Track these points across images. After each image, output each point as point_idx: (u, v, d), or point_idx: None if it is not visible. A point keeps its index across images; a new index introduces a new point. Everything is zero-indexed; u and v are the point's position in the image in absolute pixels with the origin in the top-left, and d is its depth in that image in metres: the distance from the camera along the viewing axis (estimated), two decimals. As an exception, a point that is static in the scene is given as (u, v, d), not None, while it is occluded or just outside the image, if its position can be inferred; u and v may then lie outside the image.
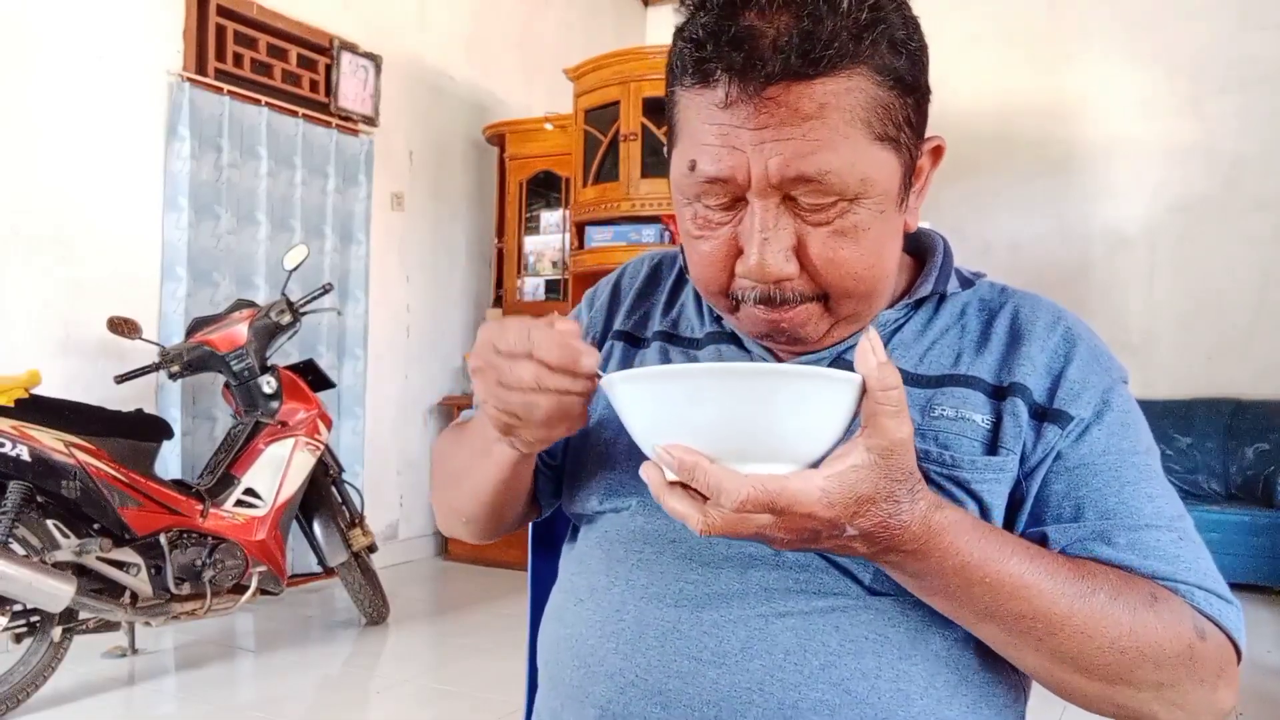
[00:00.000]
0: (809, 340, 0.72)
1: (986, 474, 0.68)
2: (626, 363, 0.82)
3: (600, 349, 0.82)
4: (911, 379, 0.72)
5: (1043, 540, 0.68)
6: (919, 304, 0.76)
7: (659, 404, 0.55)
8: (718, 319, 0.81)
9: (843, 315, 0.71)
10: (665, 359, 0.80)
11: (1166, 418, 4.65)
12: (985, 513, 0.68)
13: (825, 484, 0.53)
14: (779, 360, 0.76)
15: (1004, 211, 5.23)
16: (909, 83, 0.67)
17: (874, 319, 0.75)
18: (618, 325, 0.85)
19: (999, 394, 0.70)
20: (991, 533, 0.61)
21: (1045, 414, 0.70)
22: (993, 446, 0.69)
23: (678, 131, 0.70)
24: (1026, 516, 0.70)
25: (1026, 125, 5.17)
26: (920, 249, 0.81)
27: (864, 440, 0.53)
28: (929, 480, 0.67)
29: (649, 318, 0.85)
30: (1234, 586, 3.63)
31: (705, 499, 0.54)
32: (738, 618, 0.66)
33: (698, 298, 0.84)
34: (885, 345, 0.72)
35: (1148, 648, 0.61)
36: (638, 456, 0.69)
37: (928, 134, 0.72)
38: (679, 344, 0.81)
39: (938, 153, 0.74)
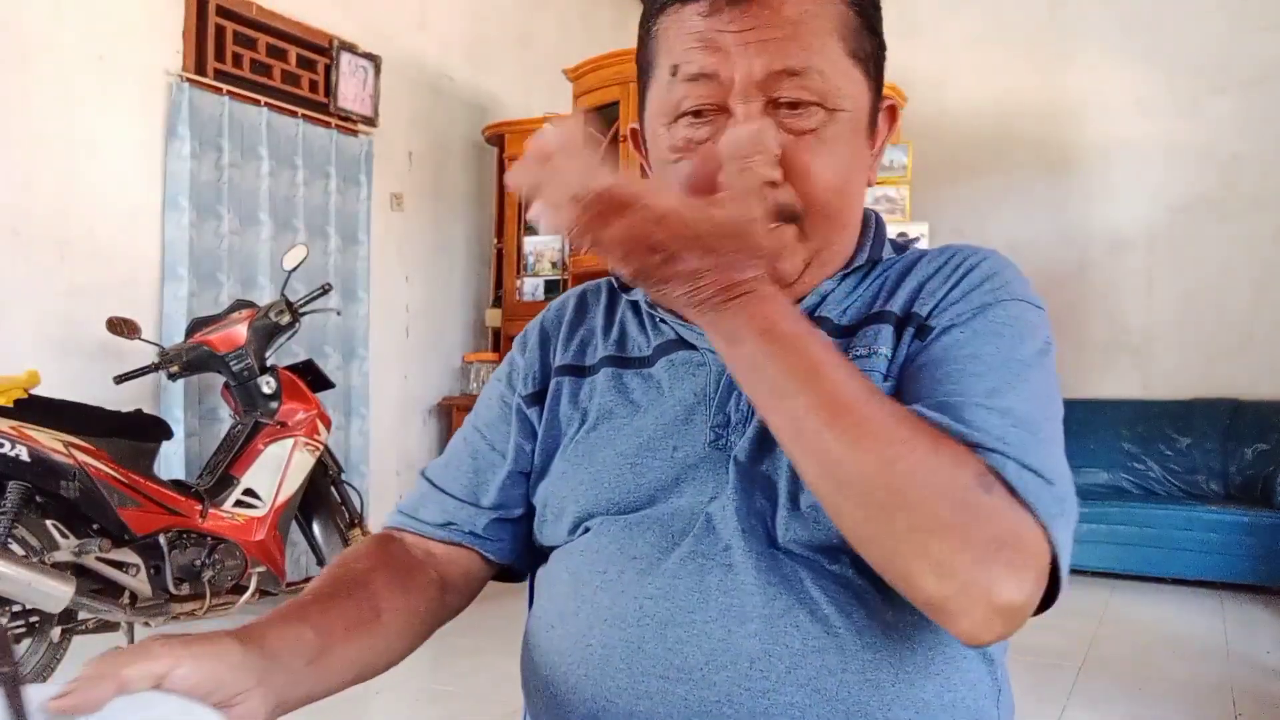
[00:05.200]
0: (786, 278, 0.71)
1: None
2: (575, 396, 0.80)
3: (546, 391, 0.82)
4: (837, 329, 0.74)
5: None
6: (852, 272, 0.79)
7: None
8: (655, 323, 0.80)
9: (815, 245, 0.72)
10: (618, 383, 0.78)
11: (1166, 418, 4.65)
12: None
13: (681, 201, 0.56)
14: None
15: (1003, 212, 5.24)
16: (871, 20, 0.72)
17: (814, 290, 0.75)
18: (558, 362, 0.83)
19: (900, 323, 0.72)
20: (808, 324, 0.61)
21: (919, 329, 0.70)
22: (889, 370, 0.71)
23: (656, 60, 0.72)
24: None
25: (1026, 125, 5.17)
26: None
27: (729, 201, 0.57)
28: None
29: (588, 345, 0.83)
30: (1234, 586, 3.58)
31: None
32: (700, 631, 0.66)
33: (636, 314, 0.82)
34: (815, 310, 0.75)
35: (919, 472, 0.55)
36: (600, 482, 0.73)
37: (891, 100, 0.78)
38: (630, 366, 0.79)
39: (893, 115, 0.78)
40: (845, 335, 0.73)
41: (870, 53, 0.72)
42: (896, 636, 0.66)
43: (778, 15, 0.67)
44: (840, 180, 0.70)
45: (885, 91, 0.77)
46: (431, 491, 0.83)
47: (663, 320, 0.79)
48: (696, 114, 0.69)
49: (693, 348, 0.77)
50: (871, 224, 0.80)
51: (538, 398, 0.82)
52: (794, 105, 0.68)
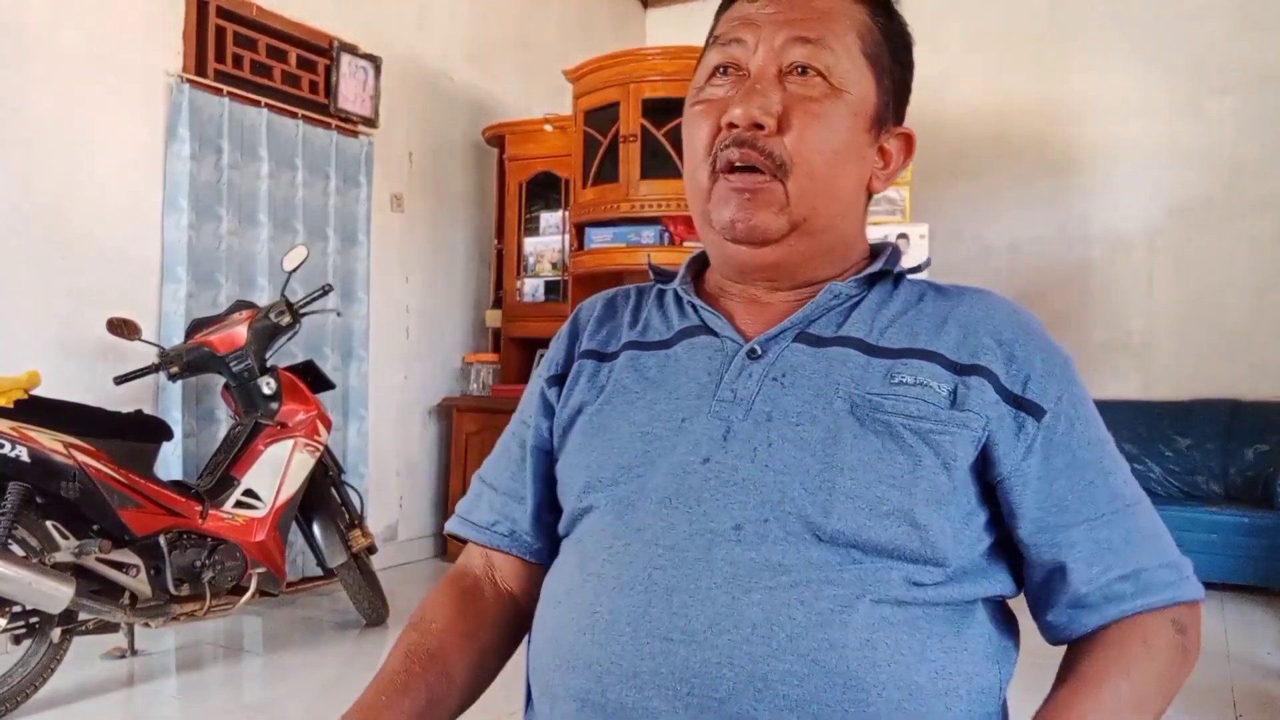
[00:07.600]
0: (768, 234, 0.77)
1: (950, 426, 0.72)
2: (595, 377, 0.85)
3: (568, 374, 0.87)
4: (871, 349, 0.77)
5: (1062, 570, 0.74)
6: (873, 282, 0.82)
7: None
8: (682, 311, 0.85)
9: (798, 211, 0.77)
10: (635, 363, 0.83)
11: (1166, 418, 4.65)
12: (948, 466, 0.71)
13: None
14: (743, 334, 0.81)
15: (1004, 212, 5.23)
16: (893, 43, 0.81)
17: (826, 288, 0.80)
18: (583, 347, 0.88)
19: (960, 370, 0.75)
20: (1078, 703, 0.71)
21: (1019, 403, 0.74)
22: (953, 405, 0.74)
23: (710, 36, 0.84)
24: (1029, 508, 0.74)
25: (1026, 125, 5.17)
26: (873, 250, 0.88)
27: None
28: (891, 433, 0.72)
29: (614, 336, 0.88)
30: (1234, 587, 3.58)
31: None
32: (705, 597, 0.69)
33: (660, 305, 0.88)
34: (845, 318, 0.80)
35: (1176, 679, 0.76)
36: (611, 448, 0.78)
37: (908, 124, 0.85)
38: (649, 349, 0.84)
39: (909, 145, 0.84)
40: (880, 356, 0.76)
41: (885, 66, 0.80)
42: (897, 620, 0.69)
43: (809, 6, 0.78)
44: (829, 149, 0.77)
45: (906, 128, 0.84)
46: (483, 489, 0.90)
47: (691, 304, 0.85)
48: (724, 71, 0.80)
49: (715, 334, 0.82)
50: (889, 248, 0.85)
51: (559, 380, 0.87)
52: (803, 73, 0.76)
